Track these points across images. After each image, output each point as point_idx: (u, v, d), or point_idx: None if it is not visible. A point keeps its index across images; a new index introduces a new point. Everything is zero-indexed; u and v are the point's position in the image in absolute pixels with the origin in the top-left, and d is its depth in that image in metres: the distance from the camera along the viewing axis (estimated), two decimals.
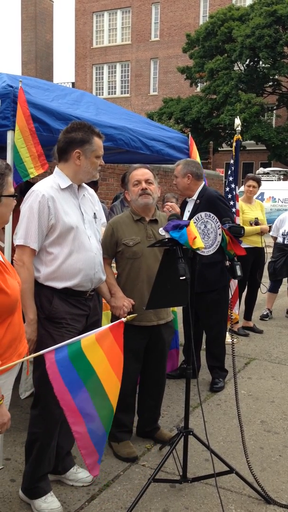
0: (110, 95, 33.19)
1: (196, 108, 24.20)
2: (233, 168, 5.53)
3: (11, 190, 2.06)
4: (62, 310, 2.54)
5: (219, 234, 2.82)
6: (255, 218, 5.74)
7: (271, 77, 24.01)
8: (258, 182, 5.92)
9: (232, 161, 5.57)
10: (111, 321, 3.18)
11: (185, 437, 2.74)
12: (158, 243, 2.66)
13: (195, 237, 2.49)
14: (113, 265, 3.22)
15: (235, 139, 5.51)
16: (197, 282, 3.96)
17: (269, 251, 7.15)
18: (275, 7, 21.38)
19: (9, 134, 2.99)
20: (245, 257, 4.12)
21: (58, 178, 2.60)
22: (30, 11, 34.09)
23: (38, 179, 2.84)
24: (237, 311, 5.65)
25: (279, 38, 21.65)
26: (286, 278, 6.79)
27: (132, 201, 3.08)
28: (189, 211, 4.11)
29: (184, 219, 3.38)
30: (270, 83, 24.70)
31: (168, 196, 5.55)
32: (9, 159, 2.97)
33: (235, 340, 5.50)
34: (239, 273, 2.84)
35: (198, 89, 26.95)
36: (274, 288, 6.78)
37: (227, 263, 2.90)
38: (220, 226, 2.83)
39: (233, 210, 5.19)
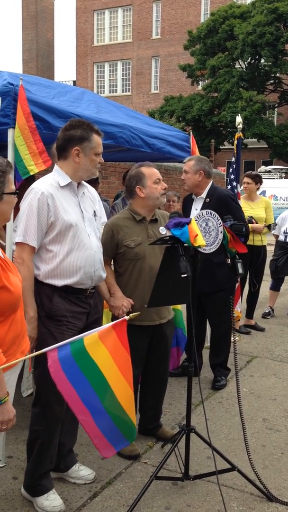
0: (111, 93, 33.17)
1: (197, 106, 24.15)
2: (234, 166, 5.52)
3: (12, 187, 2.06)
4: (63, 308, 2.54)
5: (221, 232, 2.81)
6: (249, 216, 5.72)
7: (272, 75, 23.96)
8: (253, 178, 5.90)
9: (233, 159, 5.56)
10: (112, 320, 3.19)
11: (187, 435, 2.74)
12: (159, 241, 2.65)
13: (197, 235, 2.49)
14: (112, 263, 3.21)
15: (236, 137, 5.49)
16: (208, 282, 4.01)
17: (271, 249, 7.16)
18: (276, 4, 21.31)
19: (10, 132, 2.99)
20: (243, 255, 4.12)
21: (57, 176, 2.59)
22: (31, 10, 34.05)
23: (39, 177, 2.84)
24: (239, 309, 5.65)
25: (280, 36, 21.59)
26: None
27: (150, 198, 3.00)
28: (197, 209, 4.09)
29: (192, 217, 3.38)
30: (272, 81, 24.65)
31: (170, 194, 5.54)
32: (10, 157, 2.96)
33: (236, 338, 5.50)
34: (240, 270, 2.84)
35: (200, 87, 26.89)
36: (275, 286, 6.77)
37: (228, 260, 2.90)
38: (221, 224, 2.82)
39: None
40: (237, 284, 5.28)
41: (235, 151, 5.49)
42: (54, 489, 2.62)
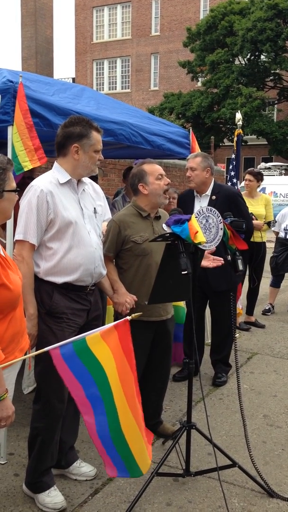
0: (110, 90, 33.09)
1: (196, 102, 24.11)
2: (234, 163, 5.52)
3: (13, 185, 2.06)
4: (63, 305, 2.54)
5: (221, 229, 2.81)
6: (250, 213, 5.71)
7: (272, 71, 23.91)
8: (255, 176, 5.90)
9: (233, 156, 5.55)
10: (114, 317, 3.19)
11: (188, 431, 2.75)
12: (160, 237, 2.65)
13: (197, 232, 2.48)
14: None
15: (236, 133, 5.49)
16: (225, 280, 4.01)
17: (271, 246, 7.16)
18: (276, 0, 21.25)
19: (10, 129, 2.98)
20: (243, 252, 4.13)
21: (57, 173, 2.59)
22: (30, 7, 33.92)
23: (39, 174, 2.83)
24: (240, 305, 5.65)
25: (280, 32, 21.53)
26: None
27: (153, 195, 2.99)
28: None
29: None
30: (271, 77, 24.60)
31: (170, 191, 5.51)
32: (10, 155, 2.96)
33: (237, 335, 5.51)
34: (241, 267, 2.84)
35: (199, 83, 26.85)
36: (276, 283, 6.77)
37: (229, 257, 2.90)
38: (221, 221, 2.82)
39: None
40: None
41: (235, 148, 5.49)
42: (56, 486, 2.63)
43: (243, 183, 6.27)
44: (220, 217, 2.82)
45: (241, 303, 5.74)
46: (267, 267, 6.31)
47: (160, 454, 3.08)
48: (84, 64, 34.37)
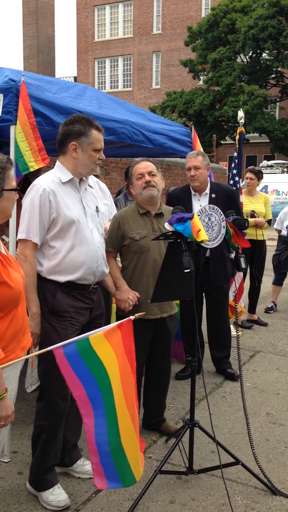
0: (112, 89, 33.06)
1: (198, 100, 24.08)
2: (236, 161, 5.51)
3: (13, 184, 2.06)
4: (66, 304, 2.55)
5: (223, 227, 2.81)
6: (251, 210, 5.72)
7: (274, 69, 23.86)
8: (256, 174, 5.90)
9: (235, 154, 5.55)
10: (116, 315, 3.20)
11: (191, 429, 2.75)
12: (162, 235, 2.66)
13: (199, 230, 2.49)
14: (118, 258, 3.22)
15: (238, 131, 5.48)
16: (222, 276, 4.08)
17: (273, 244, 7.15)
18: None
19: (12, 128, 2.98)
20: (244, 249, 4.16)
21: (59, 172, 2.60)
22: (32, 5, 33.91)
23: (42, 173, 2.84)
24: (243, 303, 5.65)
25: (282, 29, 21.48)
26: None
27: (137, 194, 3.08)
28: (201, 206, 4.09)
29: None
30: (273, 75, 24.54)
31: (173, 189, 5.53)
32: (12, 154, 2.96)
33: (239, 333, 5.51)
34: (243, 265, 2.84)
35: (201, 81, 26.80)
36: (278, 281, 6.77)
37: (232, 255, 2.90)
38: (224, 219, 2.82)
39: None
40: (240, 279, 5.31)
41: (237, 146, 5.48)
42: (59, 484, 2.64)
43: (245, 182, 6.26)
44: (223, 215, 2.82)
45: (243, 301, 5.74)
46: (268, 265, 6.30)
47: (163, 452, 3.08)
48: (85, 63, 34.34)
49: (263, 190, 14.83)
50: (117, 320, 2.52)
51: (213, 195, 4.05)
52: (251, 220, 5.66)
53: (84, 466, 2.85)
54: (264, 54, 23.57)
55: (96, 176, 3.32)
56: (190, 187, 4.13)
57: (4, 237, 3.19)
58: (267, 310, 6.64)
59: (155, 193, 3.02)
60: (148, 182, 2.99)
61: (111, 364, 2.11)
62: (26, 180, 3.56)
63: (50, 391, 2.56)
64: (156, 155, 4.87)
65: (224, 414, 3.67)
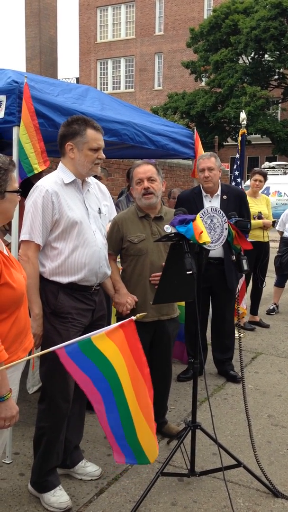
0: (114, 90, 33.09)
1: (201, 102, 24.09)
2: (238, 162, 5.52)
3: (15, 185, 2.06)
4: (68, 305, 2.55)
5: (226, 229, 2.81)
6: (259, 212, 5.71)
7: (276, 70, 23.86)
8: (265, 176, 5.90)
9: (237, 156, 5.55)
10: (116, 317, 3.19)
11: (193, 431, 2.75)
12: (165, 237, 2.66)
13: (202, 232, 2.49)
14: (118, 260, 3.22)
15: (240, 133, 5.49)
16: (235, 276, 4.07)
17: (275, 245, 7.14)
18: None
19: (15, 130, 2.99)
20: (249, 251, 4.16)
21: (62, 173, 2.60)
22: (34, 7, 33.94)
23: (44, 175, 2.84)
24: (245, 305, 5.65)
25: (284, 31, 21.48)
26: None
27: (136, 199, 3.09)
28: None
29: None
30: (276, 77, 24.54)
31: (175, 191, 5.53)
32: (15, 155, 2.97)
33: (241, 335, 5.50)
34: (245, 267, 2.83)
35: (203, 83, 26.81)
36: (280, 283, 6.76)
37: (233, 257, 2.90)
38: (226, 221, 2.82)
39: None
40: (242, 281, 5.30)
41: (239, 147, 5.48)
42: (61, 485, 2.63)
43: (247, 182, 6.25)
44: (225, 217, 2.82)
45: (246, 302, 5.73)
46: (270, 266, 6.30)
47: (165, 454, 3.08)
48: (88, 64, 34.38)
49: (265, 192, 14.81)
50: (117, 322, 2.52)
51: (224, 197, 4.04)
52: (259, 221, 5.65)
53: (86, 467, 2.84)
54: (266, 56, 23.57)
55: (98, 177, 3.33)
56: (201, 188, 4.13)
57: (6, 237, 3.20)
58: (269, 312, 6.63)
59: (154, 201, 3.02)
60: (147, 189, 2.99)
61: (116, 359, 2.11)
62: (27, 182, 3.56)
63: (52, 393, 2.56)
64: (158, 156, 4.88)
65: (226, 416, 3.66)
